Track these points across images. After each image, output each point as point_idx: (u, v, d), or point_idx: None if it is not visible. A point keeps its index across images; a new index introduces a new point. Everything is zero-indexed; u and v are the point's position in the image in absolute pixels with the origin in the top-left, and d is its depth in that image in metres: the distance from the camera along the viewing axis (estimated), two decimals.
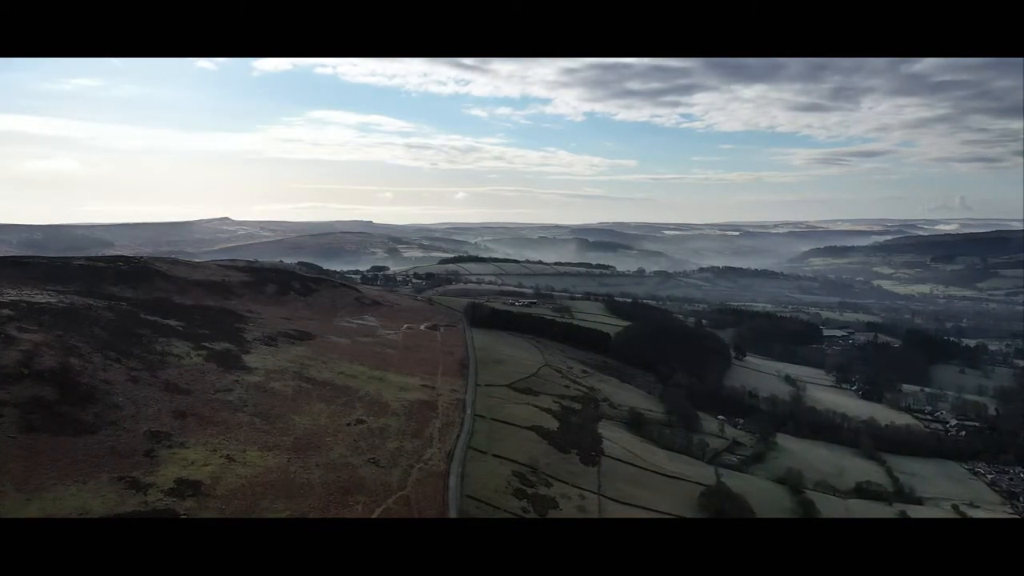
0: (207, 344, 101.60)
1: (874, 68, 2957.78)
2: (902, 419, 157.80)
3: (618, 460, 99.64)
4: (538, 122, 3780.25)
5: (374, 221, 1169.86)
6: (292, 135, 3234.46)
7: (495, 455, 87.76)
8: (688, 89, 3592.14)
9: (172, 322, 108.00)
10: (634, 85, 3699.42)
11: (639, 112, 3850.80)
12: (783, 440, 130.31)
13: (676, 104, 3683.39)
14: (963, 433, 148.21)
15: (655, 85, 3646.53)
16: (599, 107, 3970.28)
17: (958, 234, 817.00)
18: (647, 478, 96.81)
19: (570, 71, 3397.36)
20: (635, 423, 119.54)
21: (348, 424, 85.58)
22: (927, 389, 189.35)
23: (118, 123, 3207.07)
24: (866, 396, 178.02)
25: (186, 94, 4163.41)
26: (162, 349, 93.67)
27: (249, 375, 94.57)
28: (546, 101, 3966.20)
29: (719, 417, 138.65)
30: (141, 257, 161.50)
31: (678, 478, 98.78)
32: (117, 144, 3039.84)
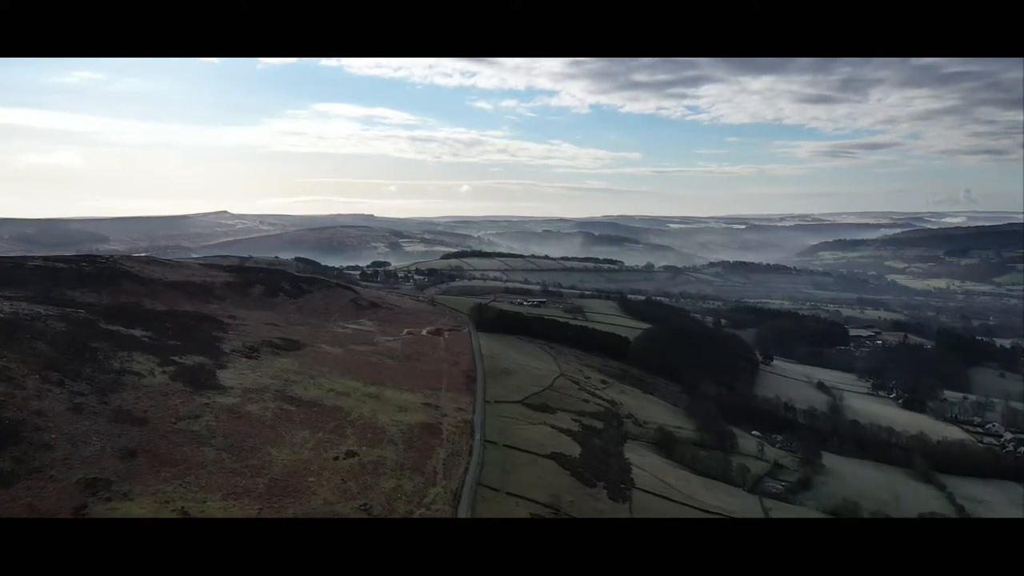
0: (176, 358, 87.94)
1: (884, 59, 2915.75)
2: (951, 432, 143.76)
3: (651, 493, 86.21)
4: (543, 115, 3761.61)
5: (375, 215, 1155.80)
6: (296, 128, 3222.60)
7: (509, 493, 74.61)
8: (695, 81, 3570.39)
9: (137, 332, 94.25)
10: (641, 77, 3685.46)
11: (645, 104, 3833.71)
12: (828, 460, 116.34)
13: (683, 96, 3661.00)
14: (1021, 449, 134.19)
15: (662, 77, 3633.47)
16: (605, 99, 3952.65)
17: (968, 227, 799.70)
18: (685, 515, 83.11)
19: (577, 63, 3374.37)
20: (665, 444, 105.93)
21: (336, 458, 72.06)
22: (971, 397, 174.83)
23: (121, 117, 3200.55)
24: (907, 405, 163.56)
25: (190, 88, 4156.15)
26: (120, 366, 79.93)
27: (222, 396, 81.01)
28: (552, 93, 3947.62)
29: (754, 433, 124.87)
30: (110, 256, 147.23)
31: (721, 515, 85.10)
32: (120, 138, 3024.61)
